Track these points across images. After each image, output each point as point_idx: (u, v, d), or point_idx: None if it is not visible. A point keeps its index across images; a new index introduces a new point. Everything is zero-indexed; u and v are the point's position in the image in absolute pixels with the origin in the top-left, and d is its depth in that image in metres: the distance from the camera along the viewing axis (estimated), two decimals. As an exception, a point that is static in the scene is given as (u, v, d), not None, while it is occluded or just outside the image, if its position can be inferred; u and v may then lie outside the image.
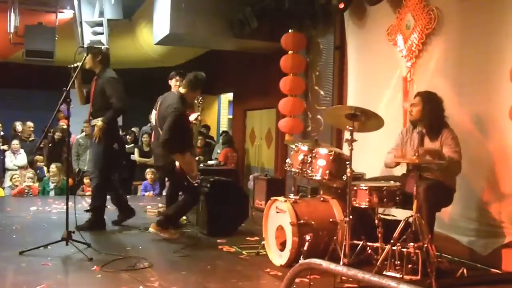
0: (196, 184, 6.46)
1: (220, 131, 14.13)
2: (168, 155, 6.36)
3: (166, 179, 8.43)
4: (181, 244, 6.23)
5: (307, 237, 5.19)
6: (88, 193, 10.82)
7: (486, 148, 5.67)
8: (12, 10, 10.50)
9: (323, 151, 5.44)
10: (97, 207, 7.11)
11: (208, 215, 6.85)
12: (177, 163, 6.31)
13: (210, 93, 14.89)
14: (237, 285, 4.72)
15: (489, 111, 5.66)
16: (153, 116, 6.93)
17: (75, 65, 6.59)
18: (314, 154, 5.43)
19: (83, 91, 7.26)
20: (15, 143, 11.62)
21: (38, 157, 11.66)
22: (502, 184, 5.48)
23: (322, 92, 8.79)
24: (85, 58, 6.08)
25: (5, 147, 11.77)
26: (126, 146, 12.27)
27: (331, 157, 5.35)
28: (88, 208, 7.27)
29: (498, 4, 5.58)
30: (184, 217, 7.61)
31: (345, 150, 5.70)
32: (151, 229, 6.42)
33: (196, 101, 7.19)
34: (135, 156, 11.65)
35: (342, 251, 4.94)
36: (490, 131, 5.65)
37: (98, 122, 6.95)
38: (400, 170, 5.71)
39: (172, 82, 7.84)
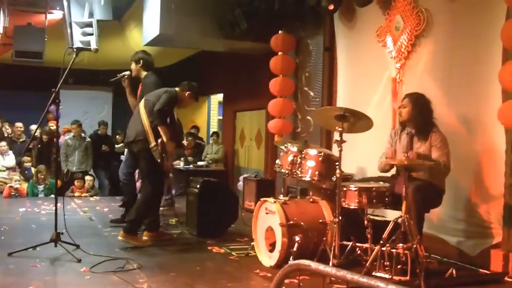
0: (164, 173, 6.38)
1: (210, 132, 14.11)
2: (142, 132, 6.18)
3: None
4: (172, 246, 6.25)
5: (297, 238, 5.19)
6: (77, 193, 10.81)
7: (474, 149, 5.70)
8: (1, 11, 10.42)
9: (312, 152, 5.44)
10: (127, 202, 7.43)
11: (197, 216, 6.83)
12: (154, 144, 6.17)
13: (200, 94, 14.85)
14: (226, 287, 4.71)
15: (477, 112, 5.69)
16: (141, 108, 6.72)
17: (123, 74, 7.11)
18: (303, 155, 5.43)
19: (133, 99, 7.37)
20: (3, 144, 11.55)
21: (25, 158, 11.60)
22: (490, 185, 5.51)
23: (311, 93, 8.80)
24: (74, 58, 6.04)
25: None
26: (116, 146, 12.26)
27: (320, 158, 5.35)
28: (121, 203, 7.79)
29: (487, 5, 5.61)
30: (175, 218, 7.60)
31: (335, 151, 5.70)
32: (120, 238, 6.12)
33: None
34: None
35: (332, 252, 4.96)
36: (479, 132, 5.68)
37: None
38: (390, 172, 5.72)
39: None
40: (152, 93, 6.51)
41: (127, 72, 7.26)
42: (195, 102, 7.04)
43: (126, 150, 7.44)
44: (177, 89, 6.54)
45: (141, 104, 6.39)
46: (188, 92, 6.55)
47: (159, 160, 6.10)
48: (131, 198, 7.39)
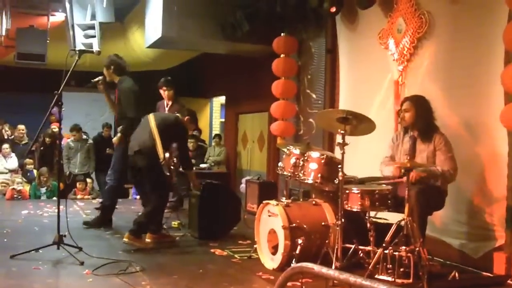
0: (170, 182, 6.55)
1: (213, 135, 14.13)
2: (148, 145, 6.22)
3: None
4: (175, 248, 6.26)
5: (299, 241, 5.19)
6: (80, 196, 10.81)
7: (477, 151, 5.69)
8: (4, 13, 10.44)
9: (315, 154, 5.44)
10: (106, 207, 7.41)
11: (199, 219, 6.83)
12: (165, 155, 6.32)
13: (202, 96, 14.88)
14: (229, 289, 4.72)
15: (480, 114, 5.68)
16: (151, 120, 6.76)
17: (97, 79, 7.05)
18: (306, 158, 5.43)
19: (112, 102, 7.40)
20: (6, 147, 11.56)
21: (27, 160, 11.61)
22: (493, 187, 5.50)
23: (314, 96, 8.79)
24: (77, 60, 6.04)
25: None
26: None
27: (323, 161, 5.35)
28: (98, 206, 7.73)
29: (489, 8, 5.60)
30: (178, 221, 7.60)
31: (337, 153, 5.70)
32: (125, 239, 6.13)
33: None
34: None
35: (334, 254, 4.95)
36: (481, 134, 5.67)
37: (118, 133, 7.17)
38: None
39: (162, 91, 7.97)
40: (166, 115, 6.96)
41: (101, 77, 7.13)
42: (194, 127, 7.30)
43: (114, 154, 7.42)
44: (177, 114, 6.70)
45: (151, 118, 6.40)
46: (187, 117, 6.66)
47: (168, 174, 6.21)
48: (112, 204, 7.42)
